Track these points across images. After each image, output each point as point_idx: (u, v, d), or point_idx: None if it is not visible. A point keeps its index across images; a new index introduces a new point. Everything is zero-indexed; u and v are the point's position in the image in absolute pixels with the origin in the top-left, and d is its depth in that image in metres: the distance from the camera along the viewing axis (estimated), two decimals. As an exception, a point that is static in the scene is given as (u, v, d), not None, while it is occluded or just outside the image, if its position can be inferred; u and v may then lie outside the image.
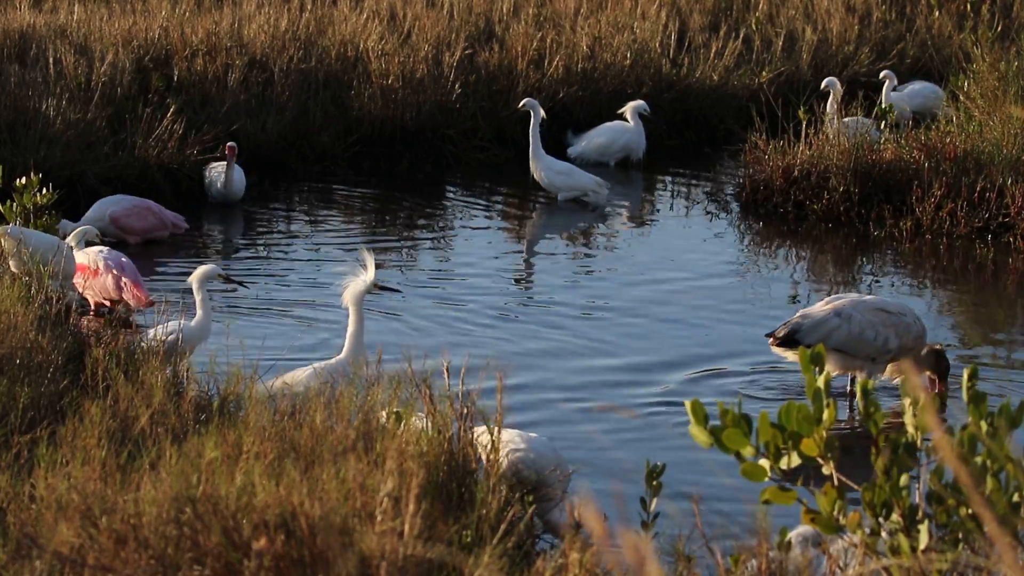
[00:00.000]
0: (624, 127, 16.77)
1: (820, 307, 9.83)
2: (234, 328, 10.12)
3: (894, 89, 17.23)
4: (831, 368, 9.55)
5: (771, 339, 9.75)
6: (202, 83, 16.04)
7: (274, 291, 12.18)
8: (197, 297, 9.84)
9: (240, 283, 11.07)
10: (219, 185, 14.73)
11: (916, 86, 18.03)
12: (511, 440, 7.37)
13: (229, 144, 14.64)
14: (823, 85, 16.69)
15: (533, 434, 7.60)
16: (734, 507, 7.87)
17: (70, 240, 11.06)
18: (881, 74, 17.40)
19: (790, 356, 9.69)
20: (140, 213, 13.27)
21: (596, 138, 16.86)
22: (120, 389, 6.75)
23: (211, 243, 14.40)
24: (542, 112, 15.48)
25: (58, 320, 8.44)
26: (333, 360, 8.79)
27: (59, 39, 16.02)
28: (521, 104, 15.64)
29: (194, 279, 9.87)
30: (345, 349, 8.85)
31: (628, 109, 16.66)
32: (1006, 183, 13.72)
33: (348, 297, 8.90)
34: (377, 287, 9.01)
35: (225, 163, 14.82)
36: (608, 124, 16.91)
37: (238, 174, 14.74)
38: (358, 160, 16.48)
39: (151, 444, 5.94)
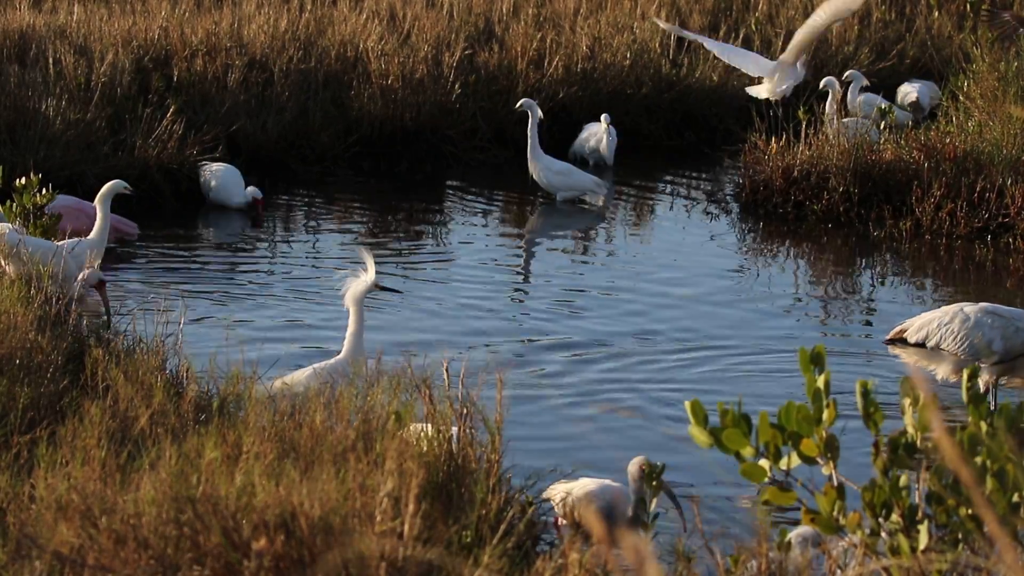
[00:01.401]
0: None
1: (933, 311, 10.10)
2: (234, 328, 10.14)
3: (864, 89, 17.05)
4: (934, 366, 9.84)
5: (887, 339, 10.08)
6: (202, 83, 16.03)
7: (274, 291, 12.18)
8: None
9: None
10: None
11: (907, 86, 17.99)
12: (588, 487, 7.58)
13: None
14: (822, 85, 16.67)
15: (615, 484, 7.66)
16: (734, 507, 7.88)
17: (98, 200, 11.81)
18: (845, 74, 17.22)
19: (902, 355, 9.97)
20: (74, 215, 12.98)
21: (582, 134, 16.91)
22: (120, 389, 6.74)
23: (210, 243, 14.41)
24: (540, 112, 15.47)
25: (58, 320, 8.45)
26: (333, 360, 8.79)
27: (59, 39, 16.01)
28: (518, 104, 15.63)
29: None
30: (345, 349, 8.84)
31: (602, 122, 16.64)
32: (1006, 183, 13.71)
33: (349, 297, 8.89)
34: (378, 287, 9.01)
35: (222, 163, 14.83)
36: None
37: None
38: (358, 160, 16.47)
39: (151, 444, 5.94)
